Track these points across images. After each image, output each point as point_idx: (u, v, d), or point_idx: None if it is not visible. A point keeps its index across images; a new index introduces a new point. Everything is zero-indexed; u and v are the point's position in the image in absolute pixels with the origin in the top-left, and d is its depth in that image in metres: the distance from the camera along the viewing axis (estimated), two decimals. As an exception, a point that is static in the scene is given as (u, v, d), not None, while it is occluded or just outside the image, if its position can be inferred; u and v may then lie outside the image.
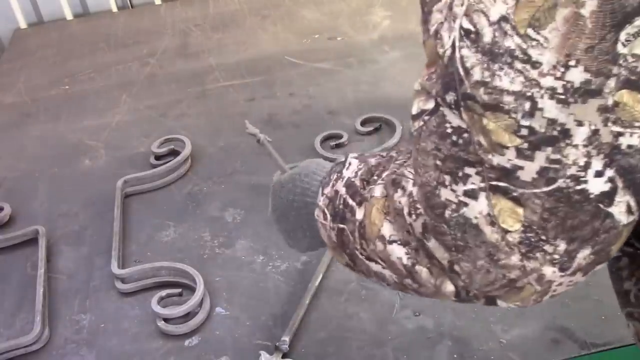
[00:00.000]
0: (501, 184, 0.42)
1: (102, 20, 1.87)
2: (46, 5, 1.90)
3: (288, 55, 1.52)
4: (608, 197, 0.41)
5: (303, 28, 1.66)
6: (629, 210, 0.42)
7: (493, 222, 0.43)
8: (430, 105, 0.44)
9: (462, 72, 0.41)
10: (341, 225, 0.57)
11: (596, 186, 0.40)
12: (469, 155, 0.42)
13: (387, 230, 0.51)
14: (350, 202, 0.56)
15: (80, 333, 0.89)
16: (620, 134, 0.39)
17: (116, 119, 1.38)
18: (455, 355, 0.80)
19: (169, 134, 1.26)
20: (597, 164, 0.39)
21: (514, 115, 0.39)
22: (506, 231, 0.43)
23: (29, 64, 1.66)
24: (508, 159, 0.40)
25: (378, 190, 0.53)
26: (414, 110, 0.46)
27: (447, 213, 0.44)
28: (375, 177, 0.55)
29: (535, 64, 0.38)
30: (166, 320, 0.87)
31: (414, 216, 0.48)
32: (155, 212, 1.10)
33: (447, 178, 0.44)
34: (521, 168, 0.40)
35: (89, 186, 1.17)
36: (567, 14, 0.36)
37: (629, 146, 0.39)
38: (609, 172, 0.40)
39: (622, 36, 0.36)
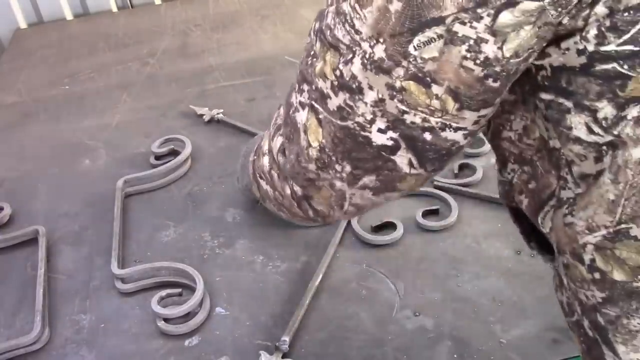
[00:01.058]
0: (316, 104, 0.54)
1: (102, 20, 1.87)
2: (46, 5, 1.90)
3: (288, 55, 1.52)
4: (390, 149, 0.51)
5: (303, 28, 1.66)
6: (411, 164, 0.52)
7: (305, 131, 0.56)
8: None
9: (325, 13, 0.52)
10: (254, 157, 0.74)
11: (379, 139, 0.51)
12: (308, 74, 0.54)
13: (265, 144, 0.69)
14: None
15: (80, 333, 0.89)
16: (405, 112, 0.48)
17: (116, 119, 1.38)
18: (455, 355, 0.80)
19: (169, 134, 1.26)
20: (380, 124, 0.50)
21: (339, 58, 0.50)
22: (309, 144, 0.56)
23: (29, 64, 1.66)
24: (325, 87, 0.52)
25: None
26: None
27: (291, 111, 0.58)
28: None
29: (358, 32, 0.48)
30: (166, 320, 0.87)
31: (278, 119, 0.65)
32: (155, 212, 1.10)
33: (296, 87, 0.57)
34: (329, 98, 0.52)
35: (89, 186, 1.17)
36: (380, 4, 0.45)
37: (412, 122, 0.49)
38: (392, 134, 0.50)
39: (415, 40, 0.45)
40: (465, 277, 0.91)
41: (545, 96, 0.49)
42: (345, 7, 0.48)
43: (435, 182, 1.06)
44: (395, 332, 0.83)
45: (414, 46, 0.45)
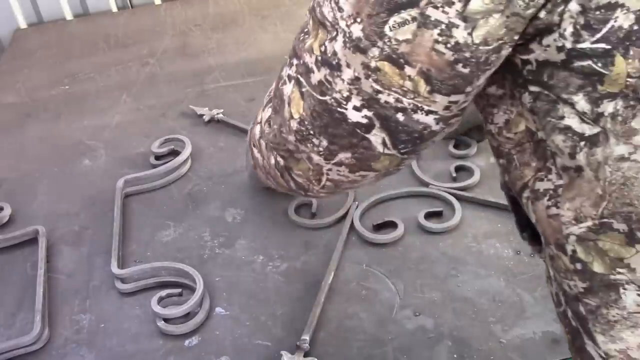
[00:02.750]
0: (301, 78, 0.56)
1: (102, 20, 1.87)
2: (46, 5, 1.90)
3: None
4: (365, 127, 0.53)
5: (303, 28, 1.65)
6: (385, 144, 0.53)
7: (289, 103, 0.58)
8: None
9: None
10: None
11: (354, 116, 0.52)
12: (299, 49, 0.57)
13: (258, 114, 0.70)
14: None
15: (80, 333, 0.89)
16: (379, 92, 0.50)
17: (116, 119, 1.38)
18: (455, 355, 0.80)
19: (169, 134, 1.26)
20: (356, 101, 0.51)
21: (326, 35, 0.52)
22: (291, 116, 0.58)
23: (29, 64, 1.66)
24: (310, 62, 0.54)
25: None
26: None
27: (280, 84, 0.61)
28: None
29: (340, 9, 0.49)
30: (166, 320, 0.87)
31: (271, 92, 0.66)
32: (155, 212, 1.10)
33: (287, 60, 0.60)
34: (312, 72, 0.54)
35: (89, 186, 1.17)
36: None
37: (386, 102, 0.50)
38: (366, 112, 0.51)
39: (391, 21, 0.46)
40: (465, 277, 0.91)
41: (533, 89, 0.50)
42: None
43: (431, 186, 1.05)
44: (395, 332, 0.83)
45: (389, 27, 0.47)
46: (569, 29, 0.44)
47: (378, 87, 0.50)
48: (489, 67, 0.48)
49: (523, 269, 0.91)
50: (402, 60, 0.47)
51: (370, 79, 0.49)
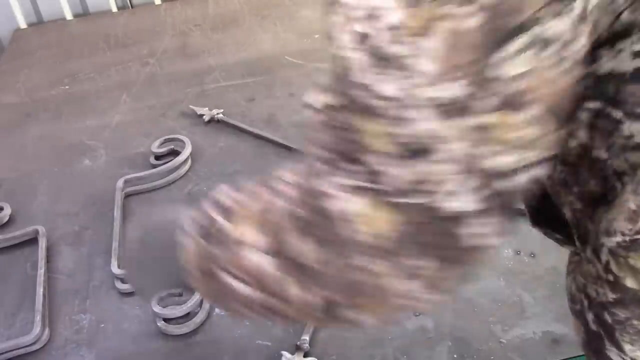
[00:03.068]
0: (377, 186, 0.39)
1: (102, 20, 1.87)
2: (46, 5, 1.90)
3: (288, 55, 1.52)
4: (477, 216, 0.39)
5: (303, 28, 1.66)
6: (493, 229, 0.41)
7: (364, 221, 0.41)
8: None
9: (347, 72, 0.39)
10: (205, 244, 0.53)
11: (460, 204, 0.38)
12: (350, 153, 0.40)
13: (250, 236, 0.48)
14: (218, 218, 0.53)
15: (80, 333, 0.89)
16: (494, 154, 0.37)
17: (116, 119, 1.38)
18: (455, 355, 0.79)
19: (169, 134, 1.26)
20: (469, 183, 0.38)
21: (385, 123, 0.37)
22: (377, 236, 0.41)
23: (29, 64, 1.66)
24: (383, 163, 0.38)
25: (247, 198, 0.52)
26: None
27: (316, 201, 0.42)
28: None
29: (419, 74, 0.36)
30: (166, 320, 0.87)
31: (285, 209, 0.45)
32: (155, 212, 1.10)
33: (325, 170, 0.42)
34: (396, 172, 0.39)
35: (89, 186, 1.17)
36: (448, 27, 0.35)
37: (502, 168, 0.38)
38: (484, 193, 0.38)
39: (497, 58, 0.35)
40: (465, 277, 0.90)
41: (592, 105, 0.44)
42: (391, 48, 0.36)
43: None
44: (395, 332, 0.83)
45: (496, 65, 0.35)
46: None
47: (492, 150, 0.37)
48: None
49: (523, 269, 0.91)
50: (520, 102, 0.36)
51: (482, 144, 0.37)
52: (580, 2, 0.36)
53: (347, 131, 0.40)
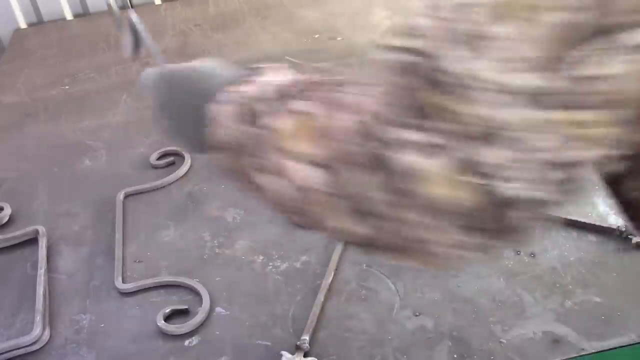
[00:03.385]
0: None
1: (102, 20, 1.87)
2: (46, 5, 1.90)
3: (288, 55, 1.52)
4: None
5: (303, 28, 1.66)
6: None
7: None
8: None
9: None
10: (247, 128, 0.50)
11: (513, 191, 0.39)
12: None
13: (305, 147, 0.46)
14: (263, 108, 0.50)
15: (80, 333, 0.89)
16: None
17: (116, 119, 1.38)
18: (455, 355, 0.79)
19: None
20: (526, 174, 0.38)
21: (468, 101, 0.37)
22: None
23: (29, 64, 1.66)
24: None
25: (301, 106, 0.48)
26: None
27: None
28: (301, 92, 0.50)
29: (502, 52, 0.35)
30: (166, 320, 0.87)
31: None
32: (155, 212, 1.10)
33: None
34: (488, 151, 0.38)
35: (89, 186, 1.17)
36: (560, 17, 0.34)
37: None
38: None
39: (577, 53, 0.34)
40: (465, 277, 0.90)
41: None
42: (492, 27, 0.36)
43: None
44: (395, 332, 0.83)
45: (593, 63, 0.34)
46: None
47: (572, 145, 0.37)
48: None
49: (523, 269, 0.91)
50: (610, 103, 0.36)
51: (564, 140, 0.37)
52: None
53: (427, 97, 0.38)
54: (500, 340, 0.81)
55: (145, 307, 0.91)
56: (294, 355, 0.80)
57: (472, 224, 0.41)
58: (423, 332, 0.83)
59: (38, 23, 1.92)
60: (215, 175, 1.17)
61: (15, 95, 1.52)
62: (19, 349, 0.85)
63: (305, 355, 0.80)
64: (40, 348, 0.87)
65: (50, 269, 0.99)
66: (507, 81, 0.35)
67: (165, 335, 0.87)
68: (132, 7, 1.96)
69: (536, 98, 0.35)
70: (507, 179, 0.38)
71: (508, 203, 0.39)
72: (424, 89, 0.39)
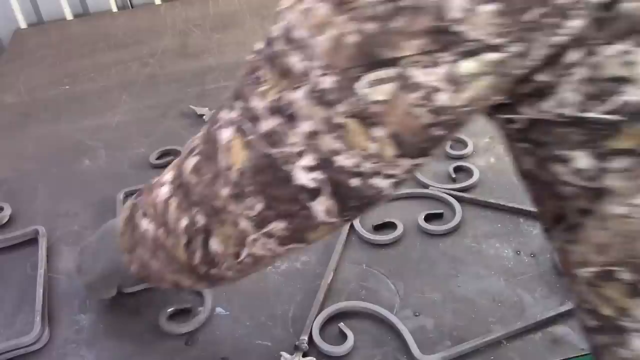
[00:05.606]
0: (246, 124, 0.48)
1: (102, 20, 1.87)
2: (46, 5, 1.90)
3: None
4: (311, 193, 0.47)
5: (303, 28, 1.65)
6: (329, 212, 0.48)
7: (228, 150, 0.50)
8: None
9: (273, 40, 0.48)
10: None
11: (301, 177, 0.46)
12: (246, 92, 0.49)
13: (166, 175, 0.61)
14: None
15: (80, 333, 0.89)
16: (337, 152, 0.45)
17: (116, 119, 1.38)
18: (455, 356, 0.79)
19: (169, 135, 1.26)
20: (308, 160, 0.46)
21: (289, 84, 0.45)
22: (229, 166, 0.50)
23: (29, 64, 1.66)
24: (259, 107, 0.47)
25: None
26: None
27: (214, 127, 0.52)
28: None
29: (313, 59, 0.43)
30: (166, 320, 0.87)
31: (195, 141, 0.57)
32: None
33: (227, 103, 0.51)
34: (260, 119, 0.47)
35: (89, 186, 1.17)
36: (335, 34, 0.42)
37: (341, 166, 0.45)
38: (317, 175, 0.46)
39: (366, 78, 0.41)
40: (465, 277, 0.91)
41: (521, 145, 0.47)
42: (298, 33, 0.44)
43: (431, 187, 1.05)
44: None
45: (363, 84, 0.41)
46: (573, 98, 0.41)
47: (337, 147, 0.44)
48: (463, 127, 0.45)
49: (523, 269, 0.91)
50: (372, 120, 0.43)
51: (330, 136, 0.44)
52: (447, 66, 0.39)
53: (252, 75, 0.48)
54: (500, 340, 0.81)
55: (145, 307, 0.91)
56: (293, 356, 0.80)
57: (268, 203, 0.50)
58: (423, 332, 0.83)
59: (38, 23, 1.92)
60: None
61: (15, 95, 1.52)
62: (18, 349, 0.85)
63: (304, 355, 0.80)
64: (40, 348, 0.86)
65: (50, 269, 0.99)
66: (316, 80, 0.44)
67: (165, 335, 0.87)
68: (132, 7, 1.96)
69: (330, 99, 0.43)
70: (300, 166, 0.46)
71: (300, 190, 0.47)
72: (264, 67, 0.49)
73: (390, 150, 0.44)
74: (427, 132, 0.43)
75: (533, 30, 0.38)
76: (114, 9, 1.92)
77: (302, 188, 0.47)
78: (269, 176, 0.48)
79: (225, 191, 0.51)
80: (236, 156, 0.49)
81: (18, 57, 1.71)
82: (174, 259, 0.59)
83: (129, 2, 1.97)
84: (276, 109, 0.46)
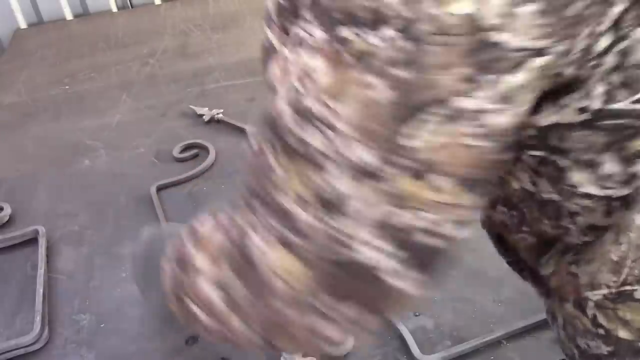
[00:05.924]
0: (291, 238, 0.40)
1: (102, 20, 1.87)
2: (46, 5, 1.90)
3: (288, 55, 1.51)
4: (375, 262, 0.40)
5: (303, 28, 1.65)
6: (415, 282, 0.43)
7: (275, 274, 0.42)
8: None
9: (275, 115, 0.40)
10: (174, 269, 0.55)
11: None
12: (273, 202, 0.41)
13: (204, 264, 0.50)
14: (188, 245, 0.53)
15: (80, 333, 0.89)
16: (399, 214, 0.38)
17: (116, 119, 1.38)
18: (455, 355, 0.79)
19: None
20: (366, 235, 0.39)
21: (308, 168, 0.38)
22: (290, 289, 0.42)
23: (29, 64, 1.66)
24: (301, 214, 0.39)
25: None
26: None
27: (247, 248, 0.43)
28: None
29: (336, 131, 0.37)
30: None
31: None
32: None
33: (250, 223, 0.44)
34: (312, 227, 0.39)
35: (89, 186, 1.17)
36: (362, 96, 0.36)
37: (405, 224, 0.38)
38: (381, 243, 0.39)
39: (408, 129, 0.36)
40: (465, 277, 0.90)
41: (535, 153, 0.44)
42: (312, 103, 0.37)
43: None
44: (395, 332, 0.83)
45: (407, 135, 0.36)
46: (599, 88, 0.38)
47: (399, 211, 0.38)
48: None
49: (523, 269, 0.90)
50: (428, 171, 0.37)
51: (389, 206, 0.38)
52: (494, 86, 0.35)
53: (264, 175, 0.41)
54: (500, 340, 0.81)
55: (145, 307, 0.91)
56: (293, 355, 0.80)
57: (340, 299, 0.42)
58: (423, 332, 0.83)
59: (38, 23, 1.92)
60: (215, 175, 1.17)
61: (15, 95, 1.52)
62: (18, 348, 0.85)
63: (304, 355, 0.80)
64: (40, 348, 0.86)
65: (50, 269, 0.99)
66: (350, 156, 0.37)
67: (165, 335, 0.87)
68: (132, 7, 1.96)
69: (375, 170, 0.37)
70: (363, 247, 0.39)
71: (370, 270, 0.40)
72: (277, 157, 0.41)
73: (456, 195, 0.38)
74: (489, 159, 0.38)
75: (577, 25, 0.35)
76: (114, 9, 1.92)
77: (378, 268, 0.40)
78: (350, 284, 0.41)
79: (291, 312, 0.43)
80: (296, 278, 0.41)
81: (18, 57, 1.71)
82: (240, 345, 0.55)
83: (129, 2, 1.97)
84: (321, 202, 0.38)
